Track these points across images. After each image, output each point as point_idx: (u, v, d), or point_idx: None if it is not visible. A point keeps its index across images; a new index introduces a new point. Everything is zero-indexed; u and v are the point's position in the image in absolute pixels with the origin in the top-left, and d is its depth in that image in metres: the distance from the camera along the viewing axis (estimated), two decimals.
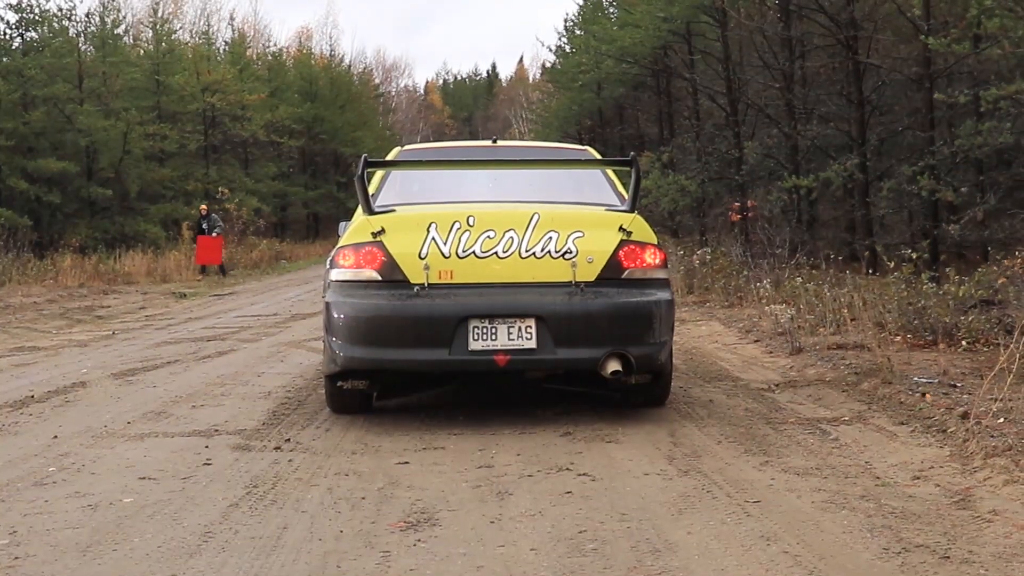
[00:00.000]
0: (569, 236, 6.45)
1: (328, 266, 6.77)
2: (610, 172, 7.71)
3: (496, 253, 6.41)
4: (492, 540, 4.33)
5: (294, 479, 5.38)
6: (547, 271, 6.42)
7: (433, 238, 6.41)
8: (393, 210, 6.73)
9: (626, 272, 6.52)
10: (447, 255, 6.39)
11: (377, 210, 6.65)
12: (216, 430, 6.71)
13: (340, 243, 6.74)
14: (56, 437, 6.59)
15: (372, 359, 6.42)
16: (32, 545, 4.36)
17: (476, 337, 6.29)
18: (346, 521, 4.63)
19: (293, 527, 4.55)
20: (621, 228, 6.56)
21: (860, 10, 17.34)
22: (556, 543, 4.26)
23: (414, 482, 5.28)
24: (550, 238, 6.44)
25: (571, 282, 6.39)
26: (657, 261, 6.66)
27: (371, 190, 7.04)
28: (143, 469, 5.66)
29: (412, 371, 6.87)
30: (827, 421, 6.55)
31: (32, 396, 8.18)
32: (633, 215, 6.70)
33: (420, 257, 6.38)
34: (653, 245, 6.68)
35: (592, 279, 6.43)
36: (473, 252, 6.40)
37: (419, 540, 4.34)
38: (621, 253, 6.52)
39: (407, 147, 9.05)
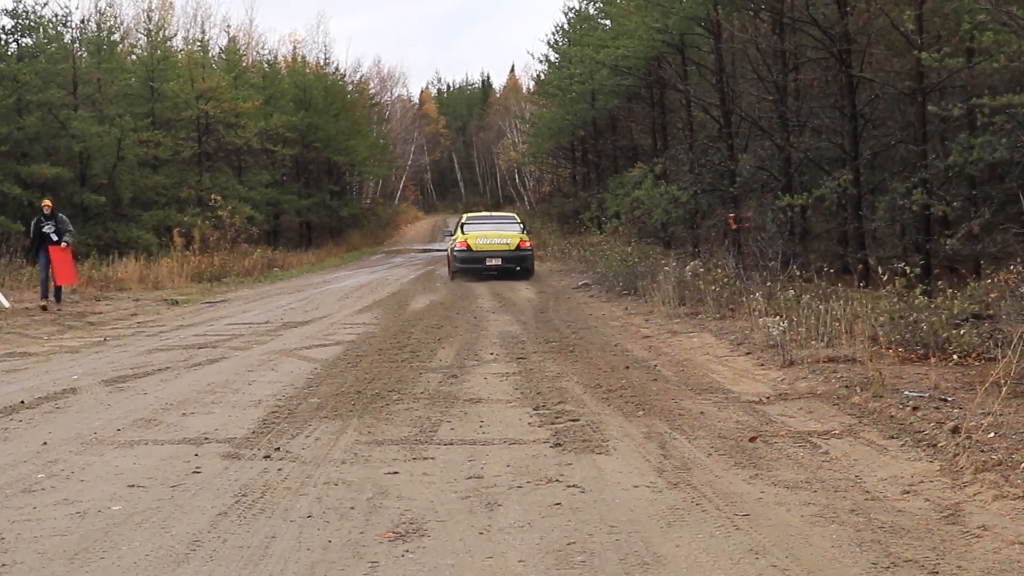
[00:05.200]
0: (508, 238, 25.19)
1: (452, 244, 26.37)
2: (519, 223, 27.36)
3: (493, 242, 25.07)
4: (480, 551, 4.32)
5: (283, 488, 5.37)
6: (504, 246, 24.87)
7: (477, 239, 25.09)
8: (465, 232, 25.57)
9: (521, 247, 24.95)
10: (480, 243, 24.96)
11: (465, 232, 25.50)
12: (206, 438, 6.70)
13: (455, 239, 26.08)
14: (46, 444, 6.58)
15: (462, 268, 24.84)
16: (20, 552, 4.35)
17: (488, 262, 24.62)
18: (335, 531, 4.63)
19: (281, 536, 4.54)
20: (520, 237, 25.42)
21: (853, 24, 17.37)
22: (544, 555, 4.25)
23: (403, 492, 5.28)
24: (505, 238, 25.19)
25: (509, 249, 24.75)
26: (530, 245, 25.79)
27: (465, 217, 27.82)
28: (132, 477, 5.65)
29: (473, 271, 24.56)
30: (817, 434, 6.55)
31: (22, 402, 8.17)
32: (524, 234, 25.85)
33: (476, 244, 24.89)
34: (529, 241, 25.89)
35: (514, 248, 24.78)
36: (487, 242, 24.98)
37: (407, 551, 4.34)
38: (521, 243, 25.02)
39: (469, 214, 29.50)
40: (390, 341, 12.13)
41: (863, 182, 17.10)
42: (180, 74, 36.96)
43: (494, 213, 31.54)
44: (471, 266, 24.47)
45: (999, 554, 4.15)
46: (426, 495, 5.23)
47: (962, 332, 9.30)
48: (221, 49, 47.60)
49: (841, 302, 11.03)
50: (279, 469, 5.80)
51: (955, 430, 6.07)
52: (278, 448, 6.34)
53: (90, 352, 11.89)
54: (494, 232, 25.66)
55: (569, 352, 10.99)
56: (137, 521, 4.80)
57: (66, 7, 33.48)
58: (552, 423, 7.09)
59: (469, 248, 24.71)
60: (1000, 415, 6.28)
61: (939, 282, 11.62)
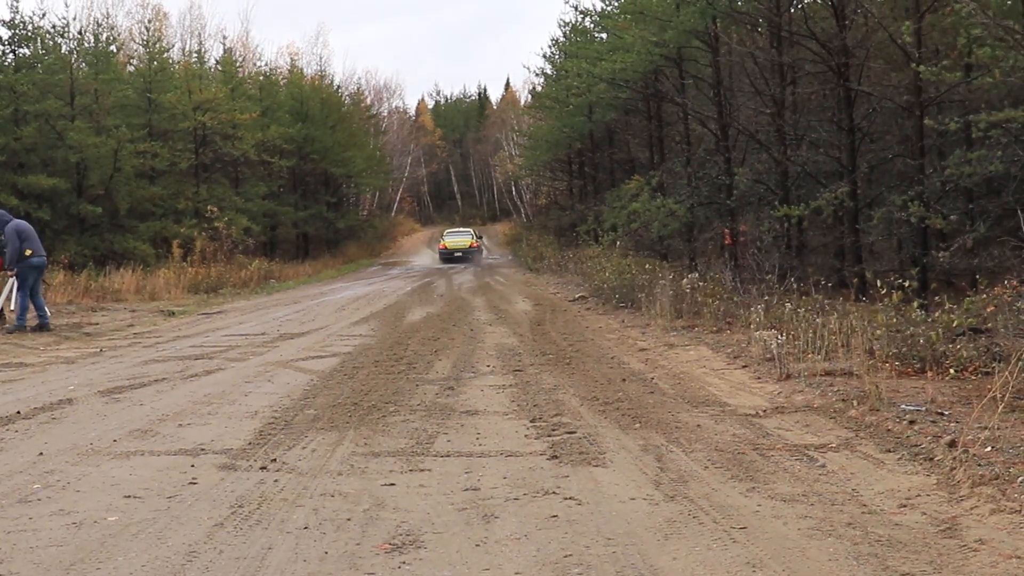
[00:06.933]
0: (467, 242, 50.69)
1: (436, 246, 53.42)
2: (474, 234, 54.10)
3: (458, 244, 50.57)
4: (477, 563, 4.31)
5: (279, 499, 5.36)
6: (464, 246, 50.09)
7: (450, 242, 50.86)
8: (444, 239, 52.38)
9: (472, 246, 50.41)
10: (451, 244, 50.63)
11: (444, 239, 52.38)
12: (202, 449, 6.69)
13: (440, 242, 52.37)
14: (42, 454, 6.56)
15: (443, 257, 49.87)
16: (15, 563, 4.34)
17: (455, 254, 49.38)
18: (331, 542, 4.62)
19: (278, 548, 4.53)
20: (472, 239, 51.59)
21: (852, 37, 17.39)
22: (541, 567, 4.24)
23: (400, 504, 5.27)
24: (464, 242, 50.63)
25: (466, 247, 49.93)
26: (479, 245, 52.50)
27: (446, 231, 57.09)
28: (128, 487, 5.64)
29: (450, 260, 48.40)
30: (814, 448, 6.54)
31: (18, 413, 8.15)
32: (474, 239, 51.98)
33: (449, 245, 50.74)
34: (479, 243, 53.04)
35: (468, 247, 50.03)
36: (455, 244, 50.46)
37: (404, 562, 4.33)
38: (472, 244, 50.72)
39: (448, 230, 58.32)
40: (387, 353, 12.13)
41: (860, 195, 17.12)
42: (177, 85, 36.96)
43: (459, 229, 59.27)
44: (447, 255, 48.78)
45: (996, 568, 4.14)
46: (422, 507, 5.22)
47: (959, 346, 9.29)
48: (217, 60, 47.66)
49: (838, 316, 11.03)
50: (275, 480, 5.79)
51: (952, 444, 6.06)
52: (274, 459, 6.33)
53: (86, 363, 11.87)
54: (459, 239, 51.25)
55: (566, 364, 10.99)
56: (133, 532, 4.79)
57: (64, 18, 33.55)
58: (549, 435, 7.08)
59: (446, 247, 49.75)
60: (997, 429, 6.28)
61: (936, 296, 11.60)
